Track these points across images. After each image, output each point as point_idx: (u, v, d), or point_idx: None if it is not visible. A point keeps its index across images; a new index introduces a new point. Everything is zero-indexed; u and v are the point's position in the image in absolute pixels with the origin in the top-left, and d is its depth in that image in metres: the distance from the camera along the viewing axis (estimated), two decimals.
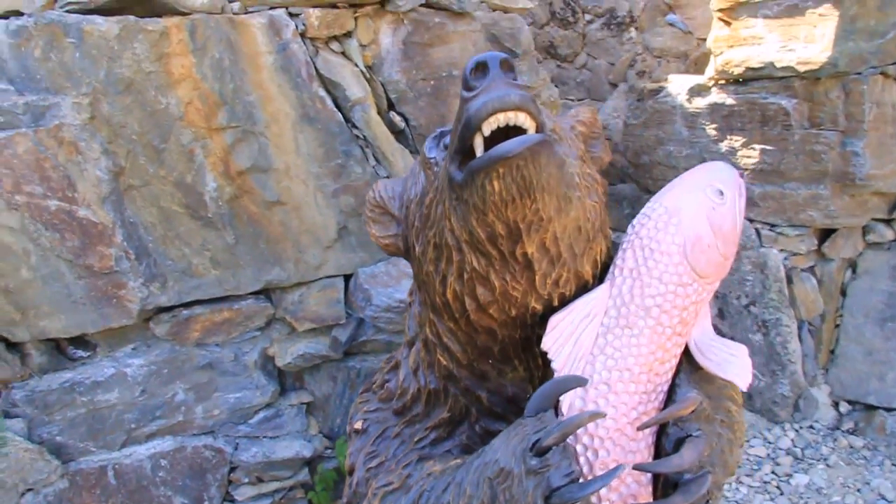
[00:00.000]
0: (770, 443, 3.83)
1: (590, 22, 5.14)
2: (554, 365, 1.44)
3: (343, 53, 2.63)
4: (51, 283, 2.38)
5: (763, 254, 3.83)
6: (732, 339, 1.57)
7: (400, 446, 1.92)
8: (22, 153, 2.22)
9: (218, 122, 2.41)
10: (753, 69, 3.72)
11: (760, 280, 3.86)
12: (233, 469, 2.75)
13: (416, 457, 1.85)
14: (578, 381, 1.40)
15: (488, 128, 1.27)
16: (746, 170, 3.85)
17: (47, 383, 2.51)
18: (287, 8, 2.48)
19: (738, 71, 3.77)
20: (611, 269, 1.52)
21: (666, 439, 1.39)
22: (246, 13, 2.44)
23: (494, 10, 2.84)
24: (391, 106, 2.77)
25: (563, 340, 1.46)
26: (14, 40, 2.19)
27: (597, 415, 1.31)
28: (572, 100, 5.36)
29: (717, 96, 3.95)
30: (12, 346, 2.49)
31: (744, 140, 3.84)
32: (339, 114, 2.62)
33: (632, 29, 4.94)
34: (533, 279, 1.42)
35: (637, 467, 1.32)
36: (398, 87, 2.72)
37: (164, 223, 2.46)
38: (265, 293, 2.76)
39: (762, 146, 3.77)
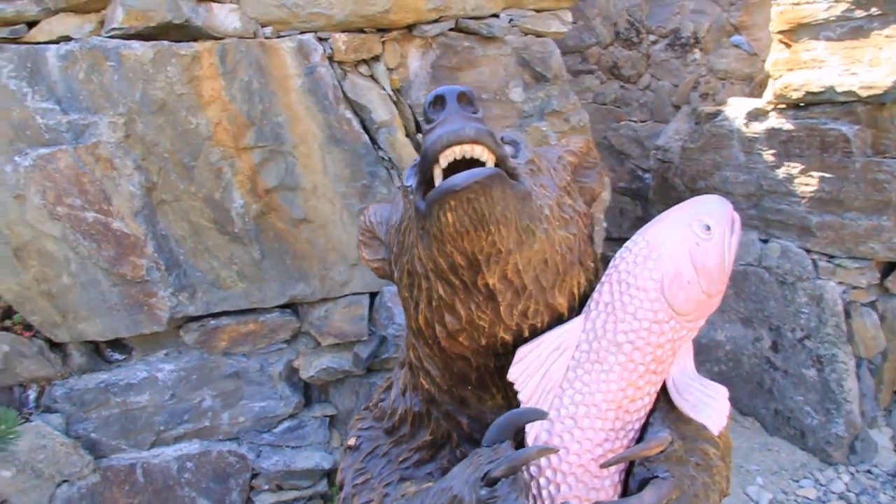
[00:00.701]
0: (822, 485, 3.63)
1: (654, 42, 5.05)
2: (520, 396, 1.44)
3: (371, 77, 2.70)
4: (89, 289, 2.54)
5: (819, 286, 3.65)
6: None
7: (386, 465, 1.94)
8: (63, 168, 2.40)
9: (246, 141, 2.52)
10: (813, 93, 3.57)
11: (816, 313, 3.67)
12: (254, 475, 2.85)
13: (397, 477, 1.87)
14: (538, 415, 1.40)
15: (445, 160, 1.29)
16: (804, 198, 3.68)
17: (85, 383, 2.68)
18: (316, 33, 2.57)
19: (797, 95, 3.63)
20: (588, 301, 1.51)
21: (632, 479, 1.37)
22: (277, 37, 2.55)
23: (526, 35, 2.85)
24: (419, 128, 2.82)
25: (530, 372, 1.45)
26: (62, 63, 2.37)
27: (547, 450, 1.31)
28: (635, 121, 5.28)
29: (775, 121, 3.80)
30: (55, 346, 2.68)
31: (802, 167, 3.68)
32: (366, 135, 2.69)
33: (696, 50, 4.82)
34: (498, 309, 1.42)
35: None
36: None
37: (193, 237, 2.58)
38: (292, 307, 2.85)
39: (821, 174, 3.60)
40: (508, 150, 1.62)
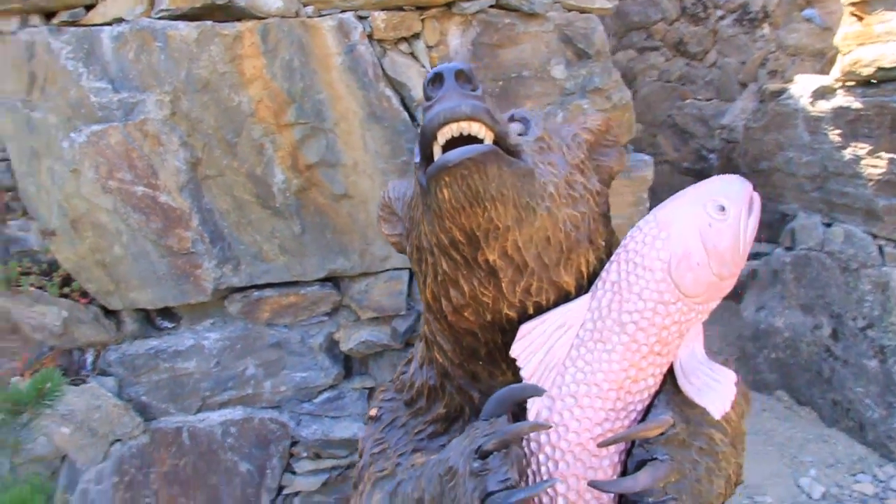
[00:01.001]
0: (881, 481, 3.48)
1: (721, 18, 4.87)
2: (522, 373, 1.45)
3: (412, 55, 2.71)
4: (139, 259, 2.67)
5: (885, 273, 3.48)
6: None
7: (403, 436, 1.99)
8: (114, 144, 2.52)
9: (286, 118, 2.59)
10: (885, 69, 3.38)
11: (881, 302, 3.50)
12: (294, 443, 2.95)
13: (411, 448, 1.92)
14: (535, 391, 1.42)
15: (443, 137, 1.31)
16: (871, 180, 3.50)
17: (136, 348, 2.83)
18: (356, 11, 2.60)
19: (867, 71, 3.44)
20: (596, 280, 1.50)
21: (630, 460, 1.36)
22: (318, 16, 2.59)
23: (570, 11, 2.80)
24: None
25: (533, 349, 1.45)
26: (115, 44, 2.49)
27: (539, 425, 1.33)
28: (700, 99, 5.11)
29: (842, 99, 3.63)
30: (110, 314, 2.83)
31: (870, 147, 3.50)
32: (405, 113, 2.72)
33: (765, 25, 4.62)
34: (500, 286, 1.43)
35: (591, 484, 1.31)
36: None
37: (237, 211, 2.68)
38: (333, 281, 2.91)
39: (891, 155, 3.41)
40: (517, 127, 1.62)
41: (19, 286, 2.73)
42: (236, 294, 2.83)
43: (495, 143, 1.34)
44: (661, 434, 1.35)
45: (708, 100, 5.06)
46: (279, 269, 2.79)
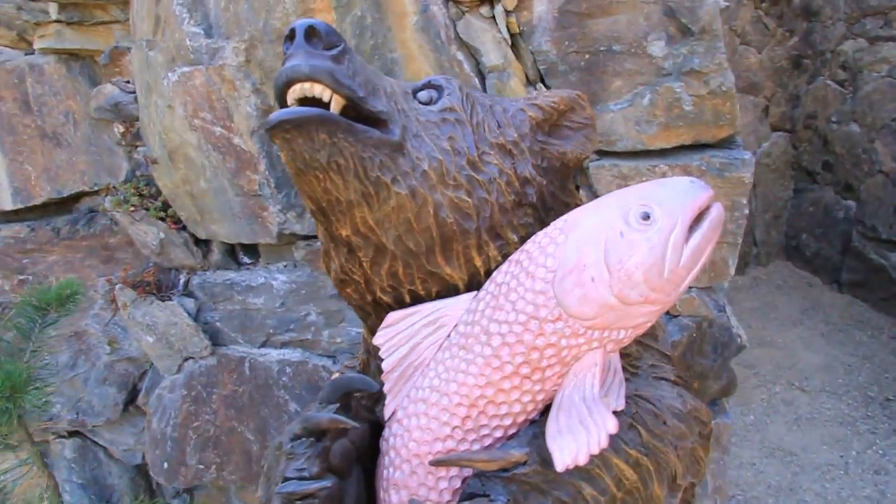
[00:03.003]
0: None
1: None
2: (384, 364, 1.34)
3: (492, 19, 2.56)
4: (218, 195, 2.88)
5: None
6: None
7: None
8: (198, 85, 2.71)
9: None
10: None
11: None
12: None
13: None
14: (365, 385, 1.35)
15: (291, 98, 1.23)
16: None
17: (217, 278, 3.07)
18: None
19: None
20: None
21: (462, 491, 1.21)
22: None
23: None
24: (542, 77, 2.62)
25: (398, 341, 1.34)
26: None
27: (339, 421, 1.26)
28: None
29: None
30: (200, 242, 3.09)
31: None
32: (476, 79, 2.59)
33: None
34: (363, 265, 1.34)
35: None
36: (548, 57, 2.56)
37: None
38: None
39: None
40: (425, 95, 1.46)
41: (135, 206, 3.08)
42: (301, 241, 2.94)
43: (346, 107, 1.23)
44: (504, 470, 1.17)
45: None
46: None
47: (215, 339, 3.11)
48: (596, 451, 1.10)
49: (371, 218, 1.26)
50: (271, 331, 3.06)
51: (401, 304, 1.36)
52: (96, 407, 3.22)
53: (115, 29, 3.19)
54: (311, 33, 1.22)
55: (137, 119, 3.14)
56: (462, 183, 1.31)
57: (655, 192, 1.21)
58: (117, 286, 3.09)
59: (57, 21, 3.13)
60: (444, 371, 1.27)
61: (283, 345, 3.07)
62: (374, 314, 1.43)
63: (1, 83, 3.15)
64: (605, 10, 2.49)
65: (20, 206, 3.18)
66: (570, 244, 1.19)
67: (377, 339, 1.34)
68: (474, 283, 1.33)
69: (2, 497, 2.01)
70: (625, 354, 1.54)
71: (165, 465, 3.17)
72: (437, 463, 1.21)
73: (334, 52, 1.23)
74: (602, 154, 2.63)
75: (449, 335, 1.30)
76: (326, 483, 1.20)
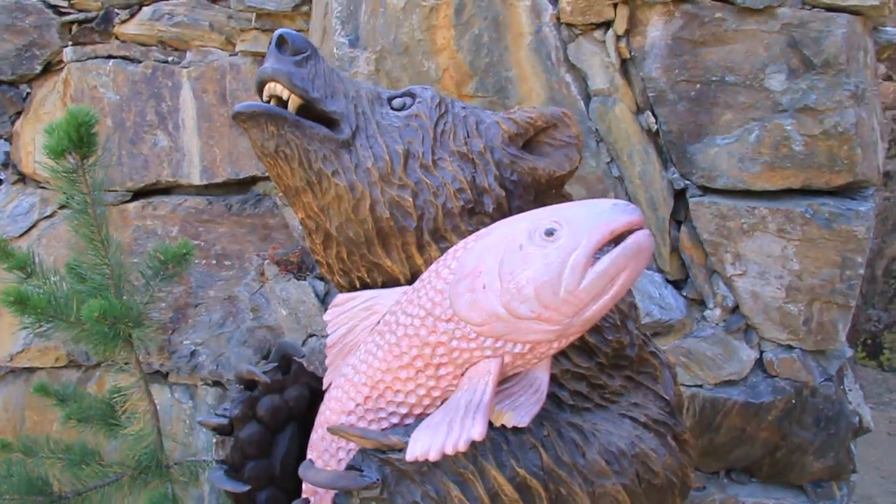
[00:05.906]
0: None
1: None
2: (327, 340, 1.50)
3: (604, 43, 2.55)
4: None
5: None
6: None
7: None
8: None
9: (467, 90, 2.72)
10: None
11: None
12: None
13: None
14: (294, 350, 1.54)
15: (265, 94, 1.44)
16: None
17: None
18: None
19: None
20: None
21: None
22: None
23: (812, 8, 2.21)
24: (651, 106, 2.54)
25: (341, 322, 1.49)
26: (352, 7, 2.95)
27: (252, 373, 1.46)
28: None
29: None
30: None
31: None
32: (582, 103, 2.59)
33: None
34: (318, 248, 1.51)
35: (302, 467, 1.38)
36: (657, 85, 2.48)
37: None
38: None
39: None
40: (399, 101, 1.55)
41: None
42: None
43: (304, 106, 1.39)
44: (380, 451, 1.27)
45: None
46: None
47: None
48: (450, 451, 1.12)
49: (315, 204, 1.40)
50: None
51: (353, 289, 1.49)
52: (234, 364, 3.67)
53: None
54: (281, 41, 1.40)
55: None
56: (408, 184, 1.39)
57: (570, 210, 1.19)
58: (265, 262, 3.50)
59: (255, 28, 3.65)
60: (363, 353, 1.37)
61: None
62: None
63: (207, 78, 3.73)
64: (721, 38, 2.36)
65: (206, 182, 3.73)
66: (474, 250, 1.22)
67: (326, 317, 1.47)
68: (415, 279, 1.41)
69: (110, 411, 2.45)
70: (601, 386, 1.51)
71: None
72: (330, 430, 1.31)
73: (298, 57, 1.39)
74: (704, 190, 2.49)
75: (378, 321, 1.40)
76: (223, 421, 1.37)
